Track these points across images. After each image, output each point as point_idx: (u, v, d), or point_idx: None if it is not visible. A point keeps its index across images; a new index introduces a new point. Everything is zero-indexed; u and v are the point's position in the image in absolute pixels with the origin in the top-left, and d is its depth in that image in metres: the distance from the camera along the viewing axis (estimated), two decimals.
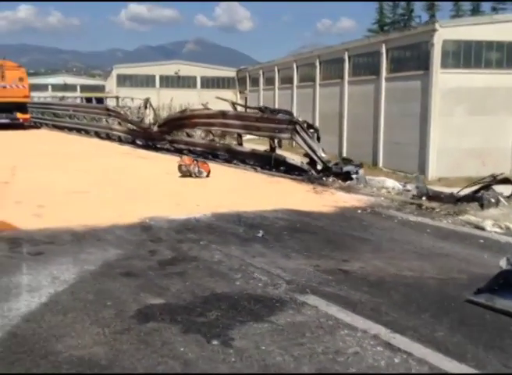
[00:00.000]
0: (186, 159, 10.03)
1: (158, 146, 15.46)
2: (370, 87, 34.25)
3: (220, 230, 5.94)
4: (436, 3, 66.05)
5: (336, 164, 9.70)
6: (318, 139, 10.18)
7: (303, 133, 9.97)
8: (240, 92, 62.03)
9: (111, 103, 19.56)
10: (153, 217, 6.39)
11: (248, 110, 13.19)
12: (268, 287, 4.04)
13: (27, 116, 23.42)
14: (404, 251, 5.24)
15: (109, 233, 5.62)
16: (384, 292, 3.99)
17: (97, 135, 19.71)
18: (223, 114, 12.15)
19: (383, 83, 33.09)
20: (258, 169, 11.15)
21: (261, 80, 54.04)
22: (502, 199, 7.01)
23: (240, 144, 12.23)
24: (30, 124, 23.80)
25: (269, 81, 51.81)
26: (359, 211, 7.21)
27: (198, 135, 14.17)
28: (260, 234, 5.71)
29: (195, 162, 10.02)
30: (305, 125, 10.09)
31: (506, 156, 28.95)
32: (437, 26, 28.01)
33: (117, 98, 18.72)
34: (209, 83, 65.91)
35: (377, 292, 3.99)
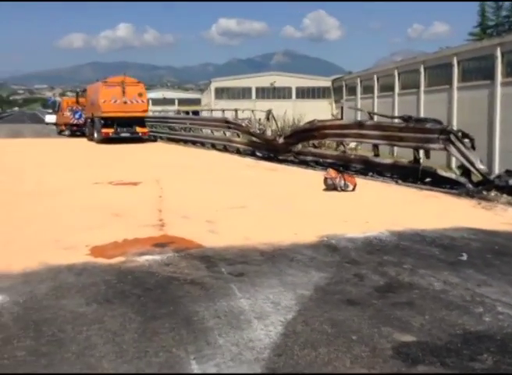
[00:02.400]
0: (332, 172, 9.64)
1: (281, 158, 15.25)
2: (483, 92, 32.38)
3: (413, 251, 5.45)
4: None
5: (499, 177, 8.89)
6: (474, 149, 9.41)
7: (458, 144, 9.26)
8: (336, 101, 61.34)
9: (228, 115, 19.71)
10: (329, 235, 6.04)
11: (384, 119, 12.59)
12: None
13: (146, 129, 24.30)
14: None
15: (297, 253, 5.32)
16: None
17: (214, 147, 19.94)
18: (359, 124, 11.68)
19: (498, 88, 31.14)
20: (400, 181, 10.55)
21: (359, 89, 52.99)
22: None
23: (377, 155, 11.67)
24: (147, 137, 24.68)
25: (367, 89, 50.72)
26: None
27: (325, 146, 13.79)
28: (464, 258, 5.16)
29: (340, 175, 9.61)
30: (460, 134, 9.37)
31: None
32: None
33: (236, 110, 18.77)
34: (304, 93, 65.90)
35: None
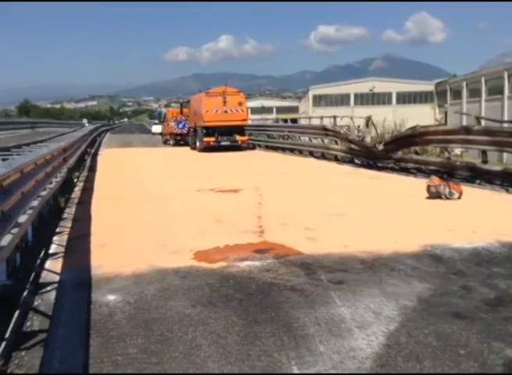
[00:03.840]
0: (436, 179, 9.28)
1: (380, 165, 14.91)
2: None
3: None
4: None
5: None
6: None
7: None
8: (439, 106, 58.89)
9: (327, 122, 19.62)
10: (434, 245, 5.82)
11: (492, 124, 11.92)
12: None
13: (245, 138, 24.85)
14: None
15: (399, 263, 5.19)
16: None
17: (312, 154, 19.93)
18: (466, 130, 11.14)
19: None
20: (510, 189, 9.90)
21: (464, 93, 50.50)
22: None
23: (486, 161, 11.05)
24: (246, 146, 25.23)
25: (474, 93, 48.19)
26: None
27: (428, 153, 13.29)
28: None
29: (445, 182, 9.22)
30: None
31: None
32: None
33: (334, 117, 18.65)
34: (405, 98, 64.03)
35: None
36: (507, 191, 9.94)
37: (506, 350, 3.24)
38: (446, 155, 12.41)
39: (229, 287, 4.55)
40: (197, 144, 25.23)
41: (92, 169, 17.11)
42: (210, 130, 24.00)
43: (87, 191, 11.44)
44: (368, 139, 15.95)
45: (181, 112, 31.06)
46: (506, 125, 11.81)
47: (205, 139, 24.13)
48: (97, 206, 9.15)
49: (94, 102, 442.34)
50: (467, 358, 3.15)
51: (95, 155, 23.92)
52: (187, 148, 27.45)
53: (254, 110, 76.50)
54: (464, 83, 50.50)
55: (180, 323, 3.77)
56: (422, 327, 3.60)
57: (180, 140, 31.44)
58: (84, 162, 19.52)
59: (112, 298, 4.33)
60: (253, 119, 40.53)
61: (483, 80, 46.05)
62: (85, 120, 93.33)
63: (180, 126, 31.68)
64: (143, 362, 3.23)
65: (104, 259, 5.50)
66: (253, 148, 26.47)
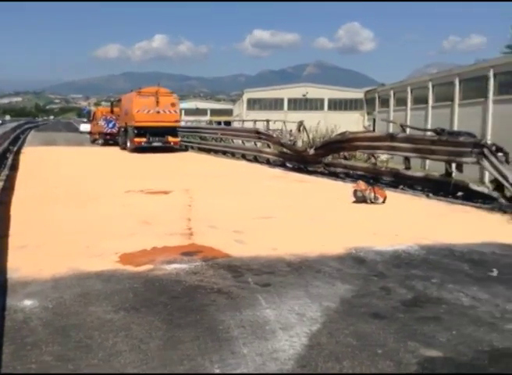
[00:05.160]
0: (362, 184, 9.58)
1: (310, 169, 15.23)
2: None
3: (441, 265, 5.37)
4: None
5: None
6: (507, 163, 9.22)
7: (491, 158, 9.10)
8: (368, 113, 60.91)
9: (260, 126, 19.80)
10: (358, 248, 6.00)
11: (416, 132, 12.47)
12: None
13: (177, 139, 24.61)
14: None
15: (324, 265, 5.31)
16: None
17: (244, 157, 20.05)
18: (391, 137, 11.59)
19: None
20: (431, 195, 10.39)
21: (392, 101, 52.50)
22: None
23: (409, 168, 11.55)
24: (178, 147, 24.98)
25: (400, 102, 50.19)
26: None
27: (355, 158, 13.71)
28: (494, 273, 5.06)
29: (370, 187, 9.54)
30: (494, 148, 9.20)
31: None
32: None
33: (267, 121, 18.86)
34: (336, 105, 65.67)
35: None
36: (428, 196, 10.42)
37: (420, 349, 3.37)
38: (373, 160, 12.86)
39: (154, 290, 4.47)
40: (128, 144, 24.73)
41: (14, 167, 16.33)
42: (141, 131, 23.58)
43: (7, 190, 10.89)
44: (299, 143, 16.26)
45: (111, 111, 30.34)
46: (428, 134, 12.36)
47: (136, 139, 23.68)
48: (17, 206, 8.72)
49: (19, 98, 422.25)
50: (384, 357, 3.26)
51: (18, 153, 22.86)
52: (117, 148, 26.82)
53: (188, 111, 75.97)
54: (392, 92, 52.44)
55: (100, 328, 3.66)
56: (343, 328, 3.69)
57: (110, 139, 30.68)
58: (6, 160, 18.58)
59: (28, 303, 4.13)
60: (186, 120, 40.20)
61: (409, 90, 48.03)
62: (8, 117, 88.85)
63: (110, 125, 30.92)
64: (58, 369, 3.10)
65: (22, 262, 5.25)
66: (185, 149, 26.26)
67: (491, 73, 34.70)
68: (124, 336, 3.55)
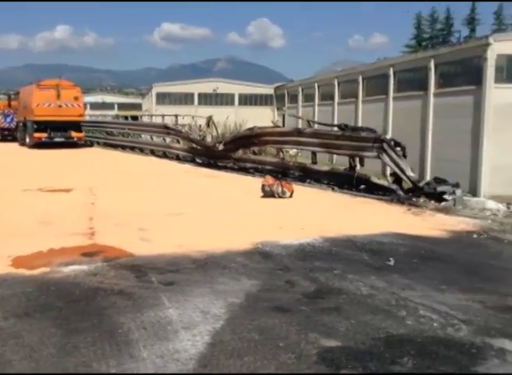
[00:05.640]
0: (269, 179, 9.71)
1: (220, 164, 15.22)
2: (417, 102, 33.56)
3: (343, 257, 5.55)
4: (477, 17, 65.05)
5: (428, 184, 9.23)
6: (405, 157, 9.74)
7: (390, 152, 9.55)
8: (278, 109, 62.00)
9: (169, 121, 19.45)
10: (264, 242, 6.05)
11: (322, 127, 12.82)
12: (448, 329, 3.61)
13: (81, 134, 23.62)
14: None
15: (231, 261, 5.29)
16: None
17: (153, 153, 19.65)
18: (298, 132, 11.84)
19: (431, 99, 32.34)
20: (336, 188, 10.76)
21: (300, 97, 53.81)
22: None
23: (315, 162, 11.86)
24: (83, 142, 23.99)
25: (308, 97, 51.57)
26: (474, 236, 6.72)
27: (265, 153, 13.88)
28: (391, 263, 5.30)
29: (278, 182, 9.69)
30: (392, 143, 9.67)
31: None
32: (491, 40, 27.27)
33: (176, 116, 18.56)
34: (247, 100, 66.15)
35: None
36: (333, 189, 10.77)
37: (320, 340, 3.44)
38: (281, 155, 13.07)
39: (49, 294, 4.22)
40: (27, 139, 23.37)
41: None
42: (41, 125, 22.38)
43: None
44: (208, 138, 16.18)
45: (9, 105, 28.53)
46: (336, 129, 12.73)
47: (36, 135, 22.45)
48: None
49: None
50: (285, 350, 3.29)
51: None
52: (16, 144, 25.28)
53: (94, 105, 73.25)
54: (300, 88, 53.73)
55: None
56: (247, 323, 3.69)
57: (8, 135, 28.86)
58: None
59: None
60: (92, 115, 38.74)
61: (316, 86, 49.46)
62: None
63: (8, 119, 29.09)
64: None
65: None
66: (90, 145, 25.28)
67: (391, 71, 36.51)
68: (14, 344, 3.31)
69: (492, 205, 8.42)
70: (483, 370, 3.04)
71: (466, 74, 29.56)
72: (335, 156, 19.20)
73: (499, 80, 27.45)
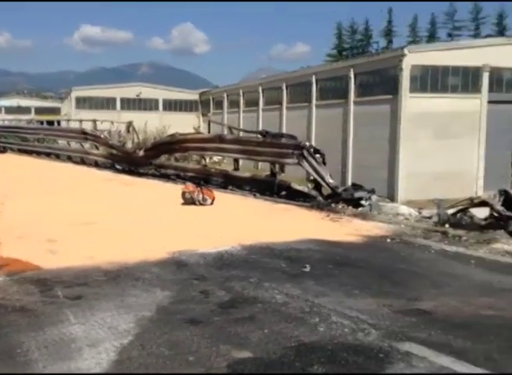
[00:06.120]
0: (190, 186, 9.58)
1: (141, 171, 14.87)
2: (338, 110, 34.64)
3: (261, 265, 5.53)
4: (393, 29, 68.29)
5: (346, 190, 9.47)
6: (324, 164, 9.94)
7: (310, 159, 9.72)
8: (203, 115, 61.79)
9: (86, 126, 18.76)
10: (181, 251, 5.92)
11: (245, 134, 12.85)
12: (358, 334, 3.66)
13: None
14: (464, 286, 4.98)
15: (145, 272, 5.12)
16: (481, 336, 3.67)
17: (70, 159, 18.89)
18: (220, 138, 11.78)
19: (352, 107, 33.51)
20: (258, 195, 10.80)
21: (225, 103, 53.94)
22: None
23: (237, 169, 11.86)
24: None
25: (233, 104, 51.80)
26: (388, 240, 6.94)
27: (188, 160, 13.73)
28: (307, 269, 5.34)
29: (199, 189, 9.57)
30: (312, 150, 9.84)
31: (471, 179, 29.69)
32: (406, 51, 28.67)
33: (94, 121, 17.95)
34: (171, 105, 65.39)
35: (473, 336, 3.66)
36: (255, 196, 10.80)
37: (232, 352, 3.37)
38: (204, 162, 12.96)
39: None
40: None
41: None
42: None
43: None
44: (129, 144, 15.77)
45: None
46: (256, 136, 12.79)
47: None
48: None
49: None
50: (195, 364, 3.19)
51: None
52: None
53: (9, 110, 69.84)
54: (225, 95, 53.88)
55: None
56: (156, 338, 3.55)
57: None
58: None
59: None
60: (4, 119, 36.80)
61: (241, 93, 49.80)
62: None
63: None
64: None
65: None
66: (3, 151, 23.93)
67: (313, 79, 37.45)
68: None
69: (404, 210, 8.75)
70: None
71: (383, 84, 30.88)
72: (260, 163, 19.31)
73: (413, 89, 28.93)
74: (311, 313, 4.07)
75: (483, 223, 7.43)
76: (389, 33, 69.67)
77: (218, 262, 5.59)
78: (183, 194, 9.43)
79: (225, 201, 10.10)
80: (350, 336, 3.63)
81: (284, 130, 40.38)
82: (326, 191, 9.95)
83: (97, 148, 17.23)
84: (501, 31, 55.84)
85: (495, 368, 3.16)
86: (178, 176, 13.41)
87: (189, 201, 9.41)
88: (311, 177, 9.91)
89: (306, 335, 3.64)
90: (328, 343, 3.51)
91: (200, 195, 9.44)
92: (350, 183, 33.60)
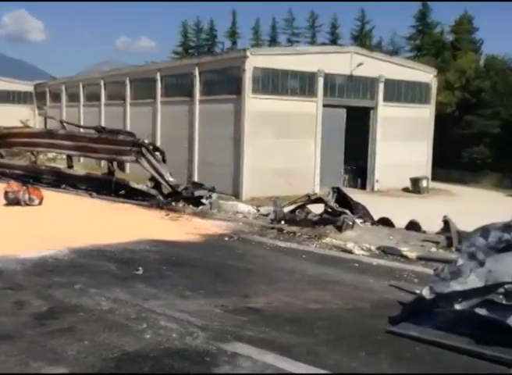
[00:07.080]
0: (14, 185, 8.72)
1: None
2: (184, 108, 34.49)
3: (89, 269, 5.16)
4: (237, 31, 70.14)
5: (186, 188, 9.36)
6: (164, 161, 9.73)
7: (149, 156, 9.43)
8: (39, 108, 57.43)
9: None
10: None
11: (82, 130, 12.08)
12: (186, 338, 3.53)
13: None
14: (295, 281, 5.13)
15: None
16: (307, 330, 3.78)
17: None
18: (51, 133, 10.92)
19: (197, 105, 33.58)
20: (94, 194, 10.22)
21: (64, 96, 50.72)
22: (357, 221, 7.43)
23: (71, 166, 11.09)
24: None
25: (73, 97, 48.92)
26: (226, 238, 6.98)
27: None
28: (140, 272, 5.10)
29: (25, 188, 8.74)
30: (151, 147, 9.56)
31: (310, 176, 31.65)
32: (248, 53, 29.48)
33: None
34: (2, 97, 59.79)
35: (300, 331, 3.76)
36: (91, 195, 10.20)
37: (44, 369, 3.03)
38: (33, 158, 11.92)
39: None
40: None
41: None
42: None
43: None
44: None
45: None
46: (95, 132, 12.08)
47: None
48: None
49: None
50: None
51: None
52: None
53: None
54: (63, 87, 50.60)
55: None
56: None
57: None
58: None
59: None
60: None
61: (81, 86, 47.17)
62: None
63: None
64: None
65: None
66: None
67: (158, 76, 36.83)
68: None
69: (243, 208, 8.91)
70: None
71: (228, 83, 31.47)
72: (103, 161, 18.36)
73: (255, 90, 29.91)
74: (138, 319, 3.84)
75: (315, 219, 7.86)
76: (233, 35, 71.23)
77: (40, 268, 5.10)
78: (6, 193, 8.55)
79: (57, 201, 9.39)
80: (177, 341, 3.48)
81: (128, 127, 39.07)
82: (167, 189, 9.75)
83: None
84: (334, 40, 60.21)
85: (316, 362, 3.25)
86: (3, 174, 12.15)
87: (13, 201, 8.57)
88: (150, 176, 9.62)
89: (130, 344, 3.41)
90: (153, 350, 3.33)
91: (27, 195, 8.64)
92: (196, 180, 33.88)
